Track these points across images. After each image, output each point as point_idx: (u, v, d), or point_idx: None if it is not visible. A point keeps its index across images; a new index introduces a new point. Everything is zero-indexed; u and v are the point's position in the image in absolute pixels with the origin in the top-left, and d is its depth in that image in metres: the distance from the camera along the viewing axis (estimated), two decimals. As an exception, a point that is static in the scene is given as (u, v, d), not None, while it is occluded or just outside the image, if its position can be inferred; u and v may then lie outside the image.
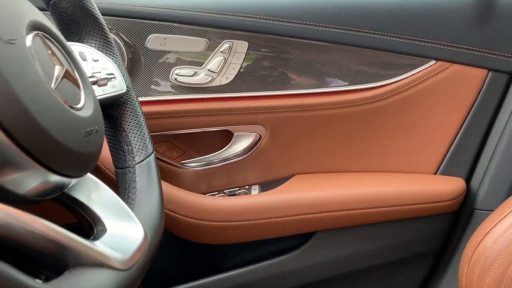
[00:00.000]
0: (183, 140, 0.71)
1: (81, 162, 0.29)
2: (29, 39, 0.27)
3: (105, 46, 0.44)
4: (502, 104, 0.68)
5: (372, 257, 0.71)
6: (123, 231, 0.32)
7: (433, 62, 0.67)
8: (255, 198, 0.69)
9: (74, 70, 0.32)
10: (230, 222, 0.66)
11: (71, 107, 0.29)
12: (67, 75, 0.30)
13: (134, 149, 0.42)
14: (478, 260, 0.53)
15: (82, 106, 0.31)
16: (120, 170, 0.42)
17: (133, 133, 0.43)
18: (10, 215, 0.22)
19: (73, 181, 0.31)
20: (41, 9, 0.33)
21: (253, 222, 0.66)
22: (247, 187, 0.73)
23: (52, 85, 0.28)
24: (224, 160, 0.72)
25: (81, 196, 0.33)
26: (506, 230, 0.53)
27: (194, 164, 0.72)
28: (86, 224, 0.34)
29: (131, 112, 0.44)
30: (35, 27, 0.29)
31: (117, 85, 0.42)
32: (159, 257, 0.70)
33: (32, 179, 0.26)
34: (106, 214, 0.32)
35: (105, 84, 0.41)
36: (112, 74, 0.42)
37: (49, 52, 0.29)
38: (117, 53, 0.45)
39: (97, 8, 0.44)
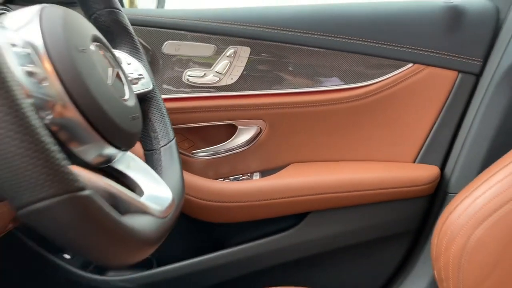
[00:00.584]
0: (193, 133, 0.81)
1: (129, 139, 0.40)
2: (92, 48, 0.38)
3: (134, 51, 0.54)
4: (471, 101, 0.78)
5: (358, 235, 0.80)
6: (156, 193, 0.42)
7: (410, 65, 0.77)
8: (256, 182, 0.79)
9: (119, 71, 0.42)
10: (234, 203, 0.76)
11: (121, 98, 0.39)
12: (116, 75, 0.40)
13: (159, 135, 0.53)
14: (446, 233, 0.63)
15: (128, 98, 0.41)
16: (148, 152, 0.52)
17: (157, 122, 0.53)
18: (81, 174, 0.32)
19: (119, 155, 0.41)
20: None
21: (254, 203, 0.76)
22: (249, 174, 0.83)
23: (109, 82, 0.38)
24: (229, 150, 0.82)
25: (122, 167, 0.43)
26: (467, 207, 0.63)
27: (203, 154, 0.82)
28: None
29: (155, 106, 0.54)
30: (95, 39, 0.39)
31: (145, 84, 0.52)
32: (171, 234, 0.81)
33: (96, 150, 0.36)
34: (142, 179, 0.42)
35: (136, 83, 0.51)
36: (141, 75, 0.52)
37: (104, 57, 0.40)
38: (144, 58, 0.55)
39: (128, 21, 0.54)
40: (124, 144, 0.39)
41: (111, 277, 0.79)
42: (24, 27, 0.33)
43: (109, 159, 0.39)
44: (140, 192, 0.41)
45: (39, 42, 0.33)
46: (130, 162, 0.44)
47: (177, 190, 0.47)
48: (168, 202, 0.41)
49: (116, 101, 0.38)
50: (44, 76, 0.32)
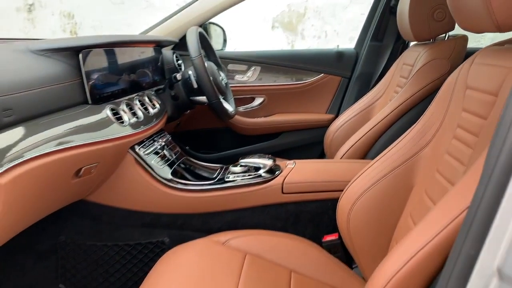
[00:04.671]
0: (238, 101, 2.03)
1: (224, 94, 1.62)
2: (217, 70, 1.60)
3: (222, 69, 1.77)
4: (347, 89, 1.97)
5: (302, 141, 2.00)
6: (231, 108, 1.64)
7: (322, 74, 1.97)
8: (262, 119, 2.01)
9: (222, 76, 1.64)
10: (253, 127, 1.98)
11: (223, 84, 1.62)
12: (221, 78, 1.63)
13: (229, 95, 1.75)
14: (327, 134, 1.81)
15: (224, 84, 1.63)
16: (226, 100, 1.74)
17: (229, 92, 1.76)
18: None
19: (221, 98, 1.62)
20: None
21: (262, 127, 1.98)
22: (260, 117, 2.05)
23: (221, 78, 1.60)
24: (252, 108, 2.04)
25: (221, 102, 1.66)
26: (336, 124, 1.81)
27: (241, 109, 2.05)
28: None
29: (228, 87, 1.77)
30: (216, 68, 1.62)
31: (225, 80, 1.75)
32: (224, 139, 2.12)
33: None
34: (226, 104, 1.64)
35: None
36: (224, 78, 1.75)
37: (218, 72, 1.62)
38: (225, 71, 1.78)
39: (219, 59, 1.76)
40: (222, 94, 1.61)
41: (205, 154, 2.04)
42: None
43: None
44: (226, 107, 1.64)
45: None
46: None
47: (235, 109, 1.69)
48: (233, 109, 1.63)
49: (223, 85, 1.60)
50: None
